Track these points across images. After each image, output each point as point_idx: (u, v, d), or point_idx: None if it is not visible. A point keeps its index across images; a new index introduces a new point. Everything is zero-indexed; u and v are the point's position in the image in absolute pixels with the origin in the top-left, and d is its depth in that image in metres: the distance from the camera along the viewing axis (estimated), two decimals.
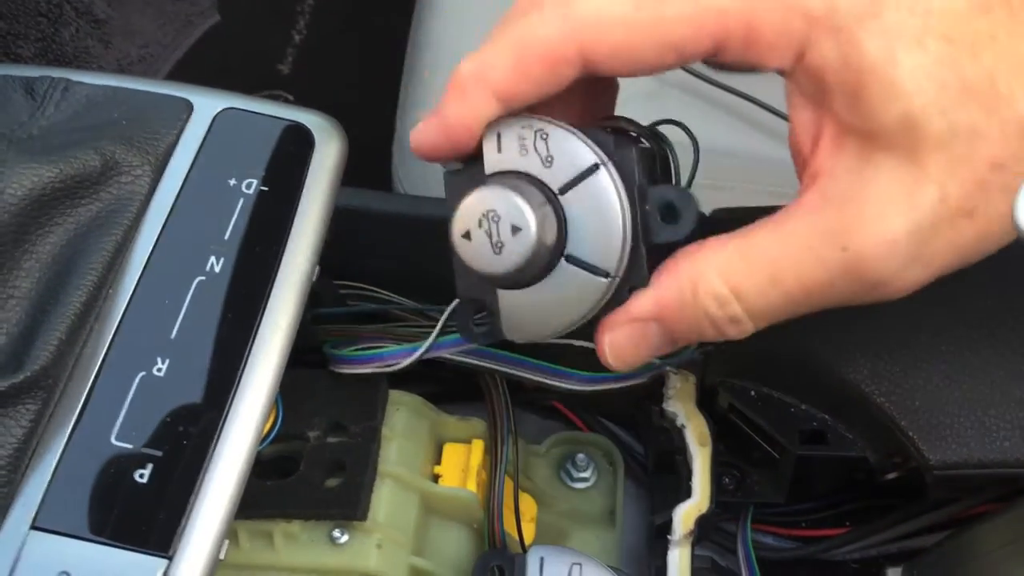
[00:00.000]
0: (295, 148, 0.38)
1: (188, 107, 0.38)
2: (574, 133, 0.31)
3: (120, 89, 0.38)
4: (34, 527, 0.30)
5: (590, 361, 0.42)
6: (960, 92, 0.27)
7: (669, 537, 0.41)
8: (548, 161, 0.31)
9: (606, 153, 0.31)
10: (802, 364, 0.39)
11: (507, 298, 0.32)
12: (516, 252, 0.30)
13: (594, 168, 0.31)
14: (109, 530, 0.30)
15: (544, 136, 0.31)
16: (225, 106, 0.38)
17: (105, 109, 0.37)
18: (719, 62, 0.31)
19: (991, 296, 0.38)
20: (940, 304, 0.38)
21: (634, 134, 0.34)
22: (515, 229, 0.30)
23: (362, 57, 0.98)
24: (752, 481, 0.45)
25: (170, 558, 0.29)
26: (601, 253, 0.31)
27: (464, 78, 0.31)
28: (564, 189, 0.31)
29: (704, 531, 0.42)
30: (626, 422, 0.50)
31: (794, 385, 0.41)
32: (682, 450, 0.43)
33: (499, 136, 0.31)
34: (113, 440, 0.31)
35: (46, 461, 0.31)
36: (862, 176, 0.29)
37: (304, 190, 0.37)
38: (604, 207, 0.31)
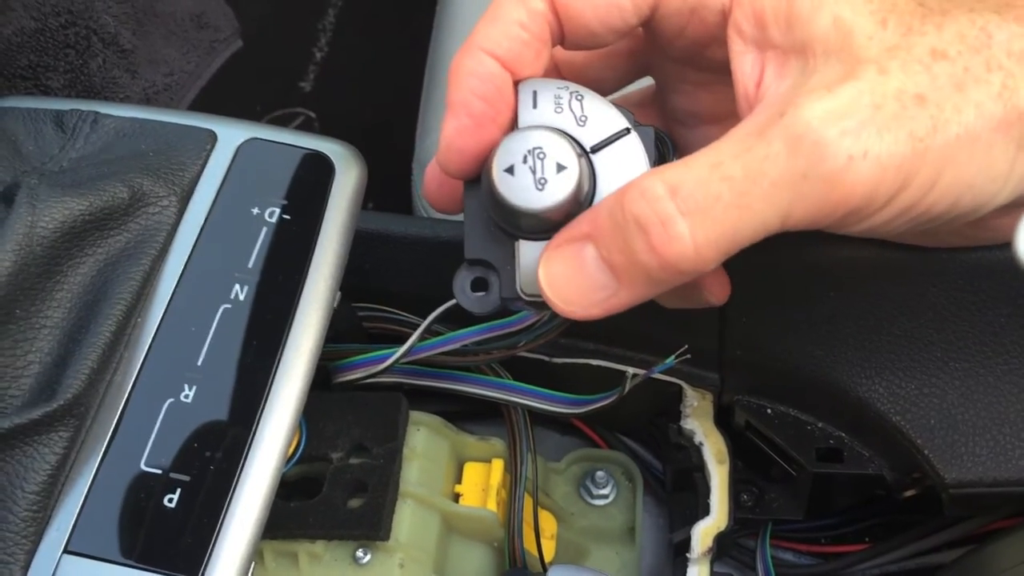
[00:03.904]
0: (316, 176, 0.39)
1: (212, 138, 0.39)
2: (606, 100, 0.33)
3: (147, 121, 0.39)
4: (67, 551, 0.31)
5: (605, 380, 0.43)
6: None
7: (688, 555, 0.41)
8: (582, 121, 0.32)
9: (631, 122, 0.33)
10: (818, 382, 0.40)
11: (527, 250, 0.32)
12: (560, 189, 0.31)
13: (626, 132, 0.32)
14: (139, 554, 0.31)
15: (579, 98, 0.33)
16: (248, 136, 0.39)
17: (133, 141, 0.38)
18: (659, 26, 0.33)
19: (1004, 314, 0.38)
20: (954, 322, 0.38)
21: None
22: (560, 167, 0.31)
23: (384, 74, 0.99)
24: (770, 498, 0.45)
25: None
26: None
27: (455, 60, 0.32)
28: (596, 148, 0.32)
29: (723, 548, 0.42)
30: (645, 439, 0.50)
31: (810, 403, 0.41)
32: (700, 467, 0.43)
33: (535, 93, 0.33)
34: (143, 465, 0.32)
35: (78, 487, 0.32)
36: (802, 82, 0.30)
37: (325, 217, 0.38)
38: (631, 170, 0.32)
